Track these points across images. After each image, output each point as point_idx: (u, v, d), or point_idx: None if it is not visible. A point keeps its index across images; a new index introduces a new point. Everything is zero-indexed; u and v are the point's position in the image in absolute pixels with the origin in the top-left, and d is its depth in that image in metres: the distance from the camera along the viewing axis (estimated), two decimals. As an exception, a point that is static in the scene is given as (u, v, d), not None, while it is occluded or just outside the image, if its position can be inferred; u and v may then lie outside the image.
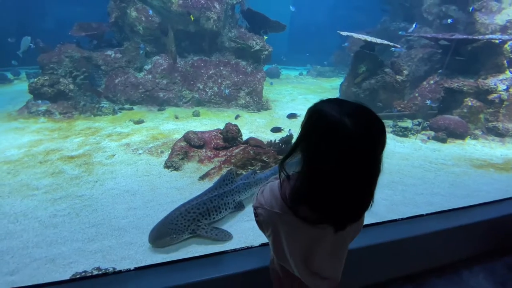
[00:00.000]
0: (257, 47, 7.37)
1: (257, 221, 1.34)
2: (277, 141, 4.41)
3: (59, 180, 3.55)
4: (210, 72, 7.33)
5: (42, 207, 3.04)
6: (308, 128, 1.06)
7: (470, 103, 5.98)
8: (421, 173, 4.43)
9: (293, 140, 1.21)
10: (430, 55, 6.83)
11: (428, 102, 6.08)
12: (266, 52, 7.47)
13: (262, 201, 1.29)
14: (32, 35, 7.28)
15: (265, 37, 7.34)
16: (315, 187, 1.07)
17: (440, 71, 6.09)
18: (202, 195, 2.82)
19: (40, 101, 5.67)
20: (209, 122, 6.27)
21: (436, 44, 6.62)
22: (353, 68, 6.97)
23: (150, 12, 6.40)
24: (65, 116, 5.86)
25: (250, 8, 7.39)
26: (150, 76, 7.04)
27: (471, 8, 6.09)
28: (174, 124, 5.92)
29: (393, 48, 7.18)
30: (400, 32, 7.97)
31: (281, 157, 4.10)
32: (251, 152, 4.08)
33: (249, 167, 4.05)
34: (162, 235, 2.48)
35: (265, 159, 4.09)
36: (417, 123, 6.29)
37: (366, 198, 1.09)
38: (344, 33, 6.36)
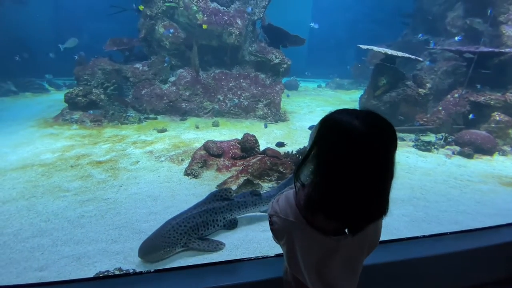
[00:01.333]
0: (276, 61, 7.55)
1: (271, 230, 1.33)
2: (294, 152, 4.45)
3: (88, 184, 3.79)
4: (231, 85, 7.57)
5: (72, 208, 3.25)
6: (320, 135, 1.10)
7: (498, 118, 5.73)
8: (445, 189, 4.25)
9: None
10: (455, 68, 6.67)
11: (470, 115, 5.85)
12: (285, 65, 7.62)
13: (277, 209, 1.29)
14: (75, 49, 7.96)
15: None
16: (329, 192, 1.08)
17: (463, 86, 5.90)
18: (193, 208, 2.81)
19: (91, 111, 6.17)
20: (228, 132, 6.43)
21: (461, 57, 6.46)
22: (373, 80, 6.93)
23: (170, 31, 6.65)
24: (95, 124, 6.26)
25: (270, 23, 7.64)
26: (174, 88, 7.39)
27: (489, 11, 5.91)
28: (195, 134, 6.13)
29: (426, 61, 7.08)
30: (423, 39, 7.85)
31: (297, 168, 4.14)
32: (268, 162, 4.15)
33: (266, 177, 4.11)
34: (155, 249, 2.48)
35: (281, 169, 4.13)
36: (441, 137, 6.09)
37: (381, 199, 1.10)
38: (364, 47, 6.38)
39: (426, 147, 5.76)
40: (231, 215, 2.94)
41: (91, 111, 6.39)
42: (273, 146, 5.32)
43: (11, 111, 7.40)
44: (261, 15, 7.46)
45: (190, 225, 2.65)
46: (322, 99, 10.77)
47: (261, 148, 4.75)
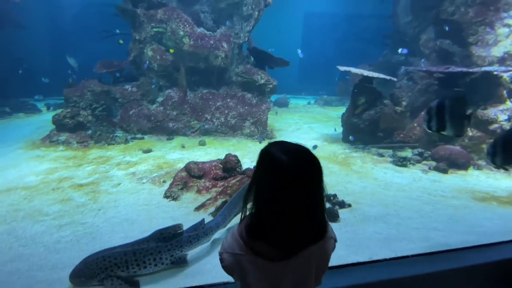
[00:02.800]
0: (262, 81, 7.82)
1: (222, 267, 1.36)
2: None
3: (67, 207, 3.86)
4: (218, 104, 7.79)
5: (49, 233, 3.31)
6: (258, 166, 1.25)
7: (471, 133, 5.97)
8: (419, 205, 4.35)
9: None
10: (428, 86, 7.00)
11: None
12: (270, 86, 7.90)
13: (225, 246, 1.33)
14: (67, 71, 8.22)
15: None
16: (265, 219, 1.21)
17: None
18: (130, 245, 2.64)
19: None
20: (214, 151, 6.56)
21: (432, 77, 6.81)
22: (353, 99, 7.21)
23: (146, 64, 6.82)
24: (82, 145, 6.37)
25: (255, 47, 7.98)
26: (162, 108, 7.58)
27: (446, 28, 6.29)
28: (180, 154, 6.26)
29: (403, 78, 7.41)
30: (402, 58, 8.25)
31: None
32: (245, 182, 4.27)
33: (244, 198, 4.22)
34: (76, 274, 2.50)
35: (259, 190, 4.25)
36: (417, 152, 6.30)
37: (312, 225, 1.23)
38: (343, 68, 6.68)
39: (402, 162, 5.94)
40: (181, 251, 2.75)
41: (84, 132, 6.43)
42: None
43: (2, 133, 7.50)
44: (246, 39, 7.80)
45: (115, 262, 2.50)
46: (310, 116, 11.02)
47: (245, 167, 4.87)
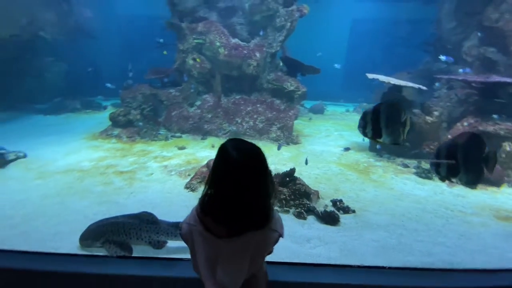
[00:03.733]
0: (291, 88, 8.11)
1: (180, 235, 1.65)
2: (280, 174, 4.86)
3: (108, 189, 4.72)
4: (248, 109, 8.31)
5: (90, 207, 4.14)
6: (215, 157, 1.53)
7: (508, 148, 5.40)
8: (430, 218, 4.16)
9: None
10: (467, 97, 6.48)
11: None
12: (299, 92, 8.13)
13: (186, 218, 1.62)
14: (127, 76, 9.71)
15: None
16: (214, 202, 1.48)
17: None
18: (122, 217, 3.20)
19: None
20: (240, 152, 7.07)
21: (470, 86, 6.31)
22: (381, 108, 7.05)
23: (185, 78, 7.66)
24: (130, 139, 7.47)
25: (287, 56, 8.32)
26: (199, 111, 8.39)
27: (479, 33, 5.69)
28: (209, 152, 6.89)
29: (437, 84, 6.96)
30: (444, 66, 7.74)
31: (281, 188, 4.55)
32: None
33: (252, 196, 4.59)
34: (83, 237, 3.08)
35: (267, 190, 4.58)
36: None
37: (254, 213, 1.47)
38: (371, 76, 6.61)
39: (427, 174, 5.65)
40: (157, 237, 3.14)
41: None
42: (276, 167, 5.71)
43: (72, 125, 9.16)
44: (278, 48, 8.18)
45: (110, 229, 3.06)
46: (344, 124, 10.85)
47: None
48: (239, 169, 1.45)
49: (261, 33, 7.82)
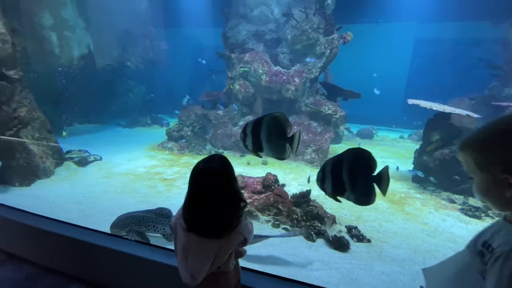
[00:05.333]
0: (329, 112, 8.28)
1: (169, 225, 2.08)
2: (297, 194, 5.11)
3: (151, 191, 5.71)
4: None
5: (135, 204, 5.12)
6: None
7: None
8: None
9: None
10: None
11: None
12: (337, 116, 8.24)
13: (176, 214, 1.86)
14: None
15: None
16: (186, 204, 1.74)
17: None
18: (143, 212, 3.69)
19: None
20: (272, 170, 7.29)
21: None
22: (425, 136, 6.65)
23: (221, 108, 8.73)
24: (180, 152, 8.66)
25: (326, 81, 8.59)
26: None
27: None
28: (243, 168, 7.51)
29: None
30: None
31: (294, 208, 4.80)
32: (271, 199, 5.01)
33: (266, 212, 4.95)
34: (113, 226, 3.61)
35: (280, 207, 4.88)
36: None
37: (216, 220, 1.65)
38: (411, 101, 6.37)
39: (474, 212, 5.07)
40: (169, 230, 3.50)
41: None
42: (302, 188, 5.84)
43: (140, 137, 11.02)
44: (317, 74, 8.53)
45: (133, 221, 3.61)
46: (392, 151, 10.26)
47: (292, 189, 5.47)
48: (202, 176, 1.66)
49: (309, 59, 8.21)
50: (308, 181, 5.89)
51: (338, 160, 2.18)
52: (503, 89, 7.72)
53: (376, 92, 10.34)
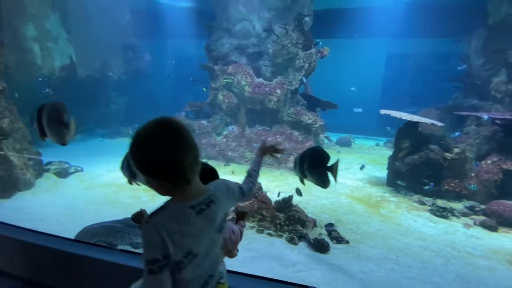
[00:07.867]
0: (309, 121, 8.68)
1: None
2: (280, 200, 5.32)
3: (135, 201, 5.72)
4: (269, 139, 9.02)
5: (118, 215, 5.08)
6: None
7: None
8: (430, 257, 4.05)
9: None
10: (493, 134, 6.27)
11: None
12: (317, 125, 8.66)
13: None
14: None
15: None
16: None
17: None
18: (110, 222, 3.73)
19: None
20: (256, 179, 7.68)
21: (494, 123, 6.15)
22: (396, 143, 7.14)
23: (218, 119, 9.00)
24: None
25: (305, 93, 9.03)
26: (225, 140, 9.38)
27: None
28: (227, 177, 7.58)
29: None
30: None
31: (277, 213, 5.00)
32: (255, 205, 5.19)
33: (251, 218, 5.12)
34: (80, 236, 3.56)
35: (264, 213, 5.07)
36: (468, 205, 5.69)
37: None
38: (383, 112, 6.86)
39: (442, 213, 5.49)
40: (136, 239, 3.48)
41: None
42: (284, 195, 6.03)
43: (121, 148, 10.81)
44: (297, 86, 8.97)
45: (102, 231, 3.57)
46: (369, 158, 10.76)
47: (274, 196, 5.53)
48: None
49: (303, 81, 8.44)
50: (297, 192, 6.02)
51: (303, 155, 3.32)
52: (464, 100, 8.48)
53: (353, 89, 10.95)
